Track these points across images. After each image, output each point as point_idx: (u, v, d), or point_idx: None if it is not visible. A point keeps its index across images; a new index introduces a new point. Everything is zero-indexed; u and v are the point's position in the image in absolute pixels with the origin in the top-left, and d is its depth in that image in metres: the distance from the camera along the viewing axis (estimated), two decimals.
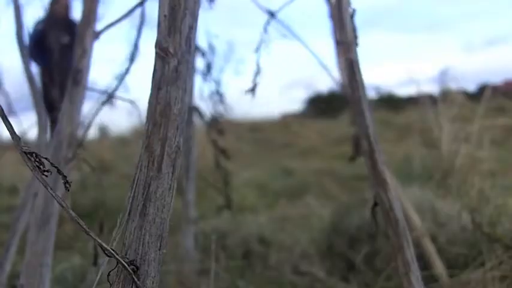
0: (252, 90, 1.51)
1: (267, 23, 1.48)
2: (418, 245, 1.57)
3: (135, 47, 1.24)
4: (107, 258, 0.64)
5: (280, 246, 2.15)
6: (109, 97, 1.21)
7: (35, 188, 1.15)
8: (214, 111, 2.23)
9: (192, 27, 0.74)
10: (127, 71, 1.24)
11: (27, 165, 0.59)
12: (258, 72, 1.48)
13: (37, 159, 0.59)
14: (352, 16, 1.04)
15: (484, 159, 2.88)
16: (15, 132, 0.59)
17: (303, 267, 1.93)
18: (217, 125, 2.14)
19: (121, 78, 1.23)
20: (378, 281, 1.68)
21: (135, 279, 0.64)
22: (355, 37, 1.04)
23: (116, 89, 1.22)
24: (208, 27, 2.18)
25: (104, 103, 1.19)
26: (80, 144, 1.09)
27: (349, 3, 1.05)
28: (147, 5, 1.24)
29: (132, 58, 1.25)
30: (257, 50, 1.41)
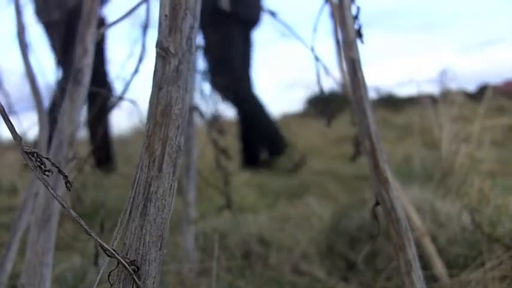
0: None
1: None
2: (418, 245, 1.57)
3: (143, 46, 1.24)
4: (108, 258, 0.64)
5: (280, 246, 2.14)
6: (119, 99, 1.20)
7: (36, 187, 1.14)
8: (215, 111, 2.23)
9: (193, 27, 0.74)
10: (136, 71, 1.24)
11: (29, 165, 0.59)
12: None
13: (38, 159, 0.59)
14: (356, 15, 1.04)
15: (484, 159, 2.88)
16: (16, 132, 0.59)
17: (303, 267, 1.93)
18: (217, 124, 2.14)
19: (129, 79, 1.23)
20: (378, 281, 1.68)
21: (136, 280, 0.64)
22: (360, 35, 1.04)
23: (124, 91, 1.21)
24: None
25: (112, 106, 1.19)
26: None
27: (351, 1, 1.05)
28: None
29: (140, 58, 1.24)
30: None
